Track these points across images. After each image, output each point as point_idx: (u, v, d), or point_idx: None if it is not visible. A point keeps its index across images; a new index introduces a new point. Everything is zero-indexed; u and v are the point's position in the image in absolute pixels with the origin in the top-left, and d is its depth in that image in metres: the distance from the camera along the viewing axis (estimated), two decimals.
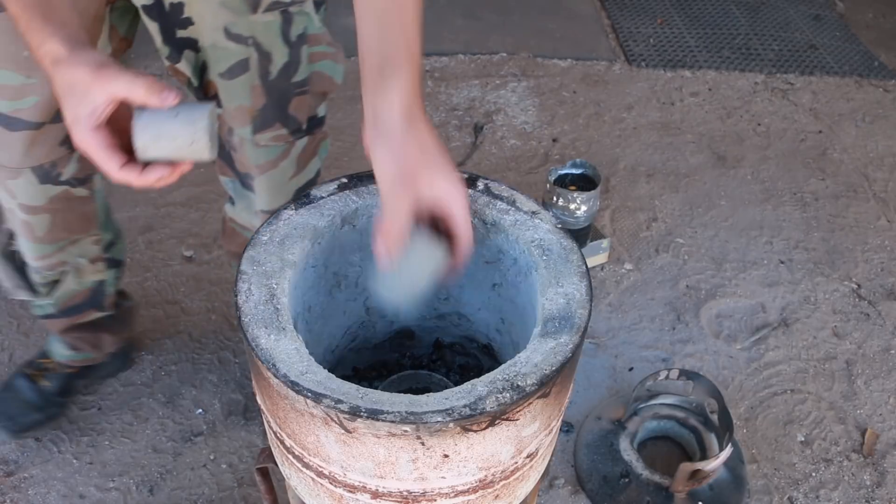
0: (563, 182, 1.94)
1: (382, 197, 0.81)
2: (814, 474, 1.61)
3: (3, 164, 1.11)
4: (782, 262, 2.09)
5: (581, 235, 1.96)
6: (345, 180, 0.97)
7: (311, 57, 1.14)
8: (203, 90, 1.15)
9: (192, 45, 1.08)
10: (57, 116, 1.09)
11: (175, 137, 0.76)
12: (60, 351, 1.54)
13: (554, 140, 2.48)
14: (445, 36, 2.92)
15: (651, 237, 2.14)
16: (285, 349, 0.77)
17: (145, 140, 0.75)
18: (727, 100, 2.71)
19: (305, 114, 1.19)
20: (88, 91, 0.74)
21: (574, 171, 1.96)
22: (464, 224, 0.82)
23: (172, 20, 1.05)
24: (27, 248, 1.26)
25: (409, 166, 0.79)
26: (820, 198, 2.31)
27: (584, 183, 1.94)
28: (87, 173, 1.22)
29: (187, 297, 1.89)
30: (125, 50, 1.17)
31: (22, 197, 1.16)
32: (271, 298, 0.82)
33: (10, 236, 1.29)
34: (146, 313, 1.84)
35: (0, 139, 1.08)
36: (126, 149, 0.77)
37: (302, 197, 0.94)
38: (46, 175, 1.15)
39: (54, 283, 1.34)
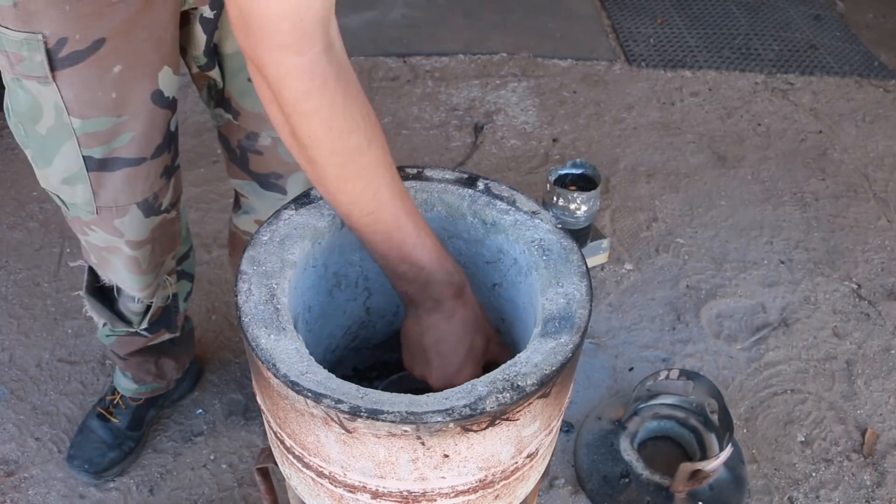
0: (563, 182, 1.94)
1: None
2: (814, 474, 1.61)
3: (109, 205, 1.10)
4: (782, 262, 2.09)
5: (581, 235, 1.96)
6: None
7: None
8: (222, 94, 1.15)
9: (219, 51, 1.09)
10: (156, 152, 1.09)
11: None
12: (125, 385, 1.52)
13: (554, 140, 2.48)
14: (445, 36, 2.92)
15: (651, 237, 2.14)
16: (285, 349, 0.77)
17: None
18: (727, 100, 2.71)
19: None
20: (490, 339, 0.90)
21: (574, 171, 1.96)
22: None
23: (211, 25, 1.06)
24: (132, 283, 1.23)
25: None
26: (820, 198, 2.31)
27: (584, 183, 1.94)
28: (178, 196, 1.22)
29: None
30: None
31: (129, 234, 1.15)
32: (271, 298, 0.82)
33: (93, 273, 1.27)
34: None
35: (100, 182, 1.07)
36: None
37: (302, 197, 0.94)
38: (150, 208, 1.14)
39: (148, 309, 1.32)
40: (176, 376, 1.56)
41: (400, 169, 0.98)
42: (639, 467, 1.53)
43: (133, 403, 1.55)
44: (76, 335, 1.79)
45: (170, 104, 1.08)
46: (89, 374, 1.71)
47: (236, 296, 0.82)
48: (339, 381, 0.75)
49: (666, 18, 3.16)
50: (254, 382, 0.87)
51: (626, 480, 1.53)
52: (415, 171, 0.98)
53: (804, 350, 1.86)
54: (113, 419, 1.54)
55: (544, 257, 0.88)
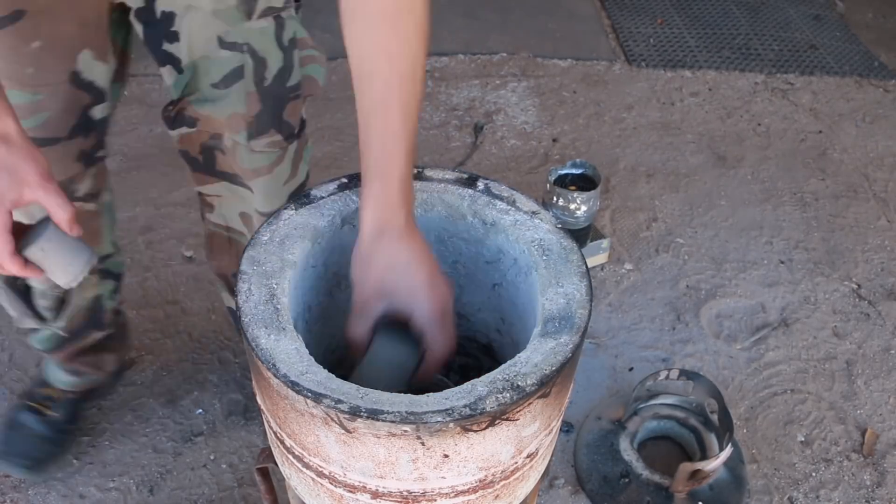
0: (563, 182, 1.94)
1: (352, 306, 0.86)
2: (814, 474, 1.61)
3: None
4: (782, 262, 2.09)
5: (581, 235, 1.96)
6: (345, 180, 0.97)
7: (301, 61, 1.14)
8: (176, 103, 1.13)
9: (176, 62, 1.07)
10: (72, 132, 1.09)
11: (60, 265, 0.88)
12: (61, 378, 1.50)
13: (554, 140, 2.48)
14: (445, 36, 2.92)
15: (651, 237, 2.14)
16: (285, 349, 0.77)
17: (37, 250, 0.86)
18: (727, 100, 2.71)
19: (297, 118, 1.19)
20: (25, 183, 0.81)
21: (574, 171, 1.96)
22: (432, 337, 0.85)
23: (160, 29, 1.05)
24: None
25: (374, 284, 0.84)
26: (820, 198, 2.31)
27: (584, 183, 1.94)
28: (99, 188, 1.21)
29: (187, 297, 1.89)
30: (126, 63, 1.16)
31: (39, 215, 1.15)
32: (271, 298, 0.82)
33: None
34: (146, 313, 1.84)
35: None
36: None
37: (302, 197, 0.94)
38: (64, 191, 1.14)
39: (60, 304, 1.31)
40: (113, 368, 1.55)
41: None
42: (639, 467, 1.53)
43: (70, 396, 1.53)
44: None
45: (89, 88, 1.07)
46: None
47: (236, 296, 0.82)
48: (339, 381, 0.75)
49: (666, 18, 3.16)
50: (254, 382, 0.87)
51: (626, 480, 1.53)
52: (415, 171, 0.98)
53: (804, 350, 1.86)
54: (49, 412, 1.51)
55: (544, 257, 0.88)
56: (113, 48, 1.09)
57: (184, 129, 1.15)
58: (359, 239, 0.85)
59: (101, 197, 1.23)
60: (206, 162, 1.21)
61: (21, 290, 1.28)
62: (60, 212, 0.83)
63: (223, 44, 1.05)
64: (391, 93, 0.82)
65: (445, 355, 0.87)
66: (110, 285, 1.43)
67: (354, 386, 0.74)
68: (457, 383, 0.77)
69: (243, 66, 1.07)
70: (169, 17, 1.03)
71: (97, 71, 1.06)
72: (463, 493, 0.79)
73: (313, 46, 1.16)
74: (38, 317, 1.31)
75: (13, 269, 0.84)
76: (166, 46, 1.05)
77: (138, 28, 1.05)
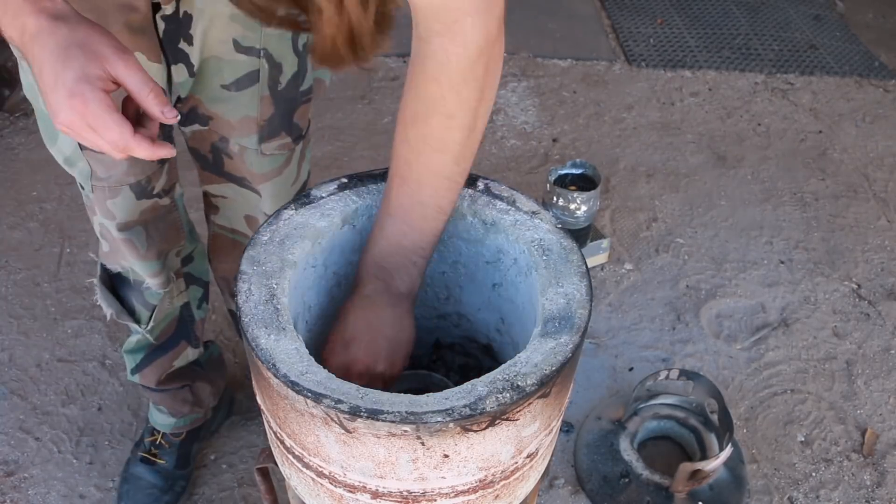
0: (563, 182, 1.94)
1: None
2: (814, 474, 1.61)
3: (106, 183, 1.09)
4: (782, 262, 2.09)
5: (581, 235, 1.96)
6: (345, 180, 0.97)
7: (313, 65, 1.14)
8: (185, 101, 1.12)
9: (188, 62, 1.07)
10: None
11: None
12: (162, 421, 1.47)
13: (554, 140, 2.48)
14: None
15: (651, 237, 2.14)
16: (285, 349, 0.77)
17: None
18: (727, 100, 2.71)
19: (306, 120, 1.19)
20: (103, 57, 0.70)
21: (574, 171, 1.96)
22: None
23: (179, 28, 1.05)
24: (140, 269, 1.22)
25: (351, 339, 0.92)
26: (820, 198, 2.31)
27: (584, 183, 1.94)
28: (172, 183, 1.21)
29: None
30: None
31: (120, 216, 1.14)
32: (271, 298, 0.82)
33: (104, 266, 1.25)
34: None
35: (107, 160, 1.06)
36: None
37: (302, 197, 0.94)
38: (142, 190, 1.13)
39: (152, 309, 1.29)
40: (212, 403, 1.50)
41: None
42: (639, 467, 1.53)
43: (176, 440, 1.50)
44: (76, 335, 1.79)
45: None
46: (89, 373, 1.71)
47: (236, 296, 0.82)
48: (339, 381, 0.75)
49: (666, 18, 3.16)
50: (254, 382, 0.87)
51: (626, 480, 1.53)
52: None
53: (804, 350, 1.86)
54: (159, 461, 1.49)
55: (544, 257, 0.88)
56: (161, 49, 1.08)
57: (196, 127, 1.15)
58: (361, 283, 0.92)
59: (173, 192, 1.22)
60: (214, 161, 1.21)
61: (118, 289, 1.27)
62: (145, 88, 0.72)
63: (239, 47, 1.05)
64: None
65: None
66: (197, 292, 1.39)
67: (354, 386, 0.74)
68: (457, 383, 0.77)
69: (258, 70, 1.07)
70: (188, 18, 1.03)
71: (153, 71, 1.05)
72: (463, 493, 0.79)
73: None
74: (132, 313, 1.28)
75: (142, 151, 0.73)
76: (182, 45, 1.05)
77: (161, 25, 1.05)
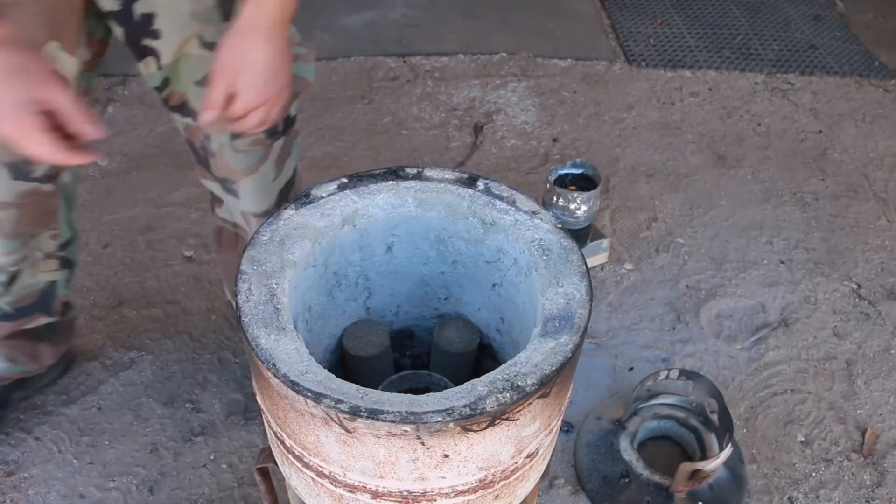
0: (563, 182, 1.94)
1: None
2: (814, 474, 1.61)
3: None
4: (782, 262, 2.09)
5: (581, 235, 1.96)
6: (345, 180, 0.97)
7: None
8: (165, 100, 1.14)
9: (156, 55, 1.08)
10: None
11: None
12: None
13: (554, 140, 2.48)
14: (445, 36, 2.92)
15: (651, 237, 2.14)
16: (285, 349, 0.77)
17: None
18: (727, 100, 2.71)
19: (282, 116, 1.19)
20: (37, 83, 0.83)
21: (574, 171, 1.96)
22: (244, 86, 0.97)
23: (139, 29, 1.05)
24: None
25: (228, 67, 0.98)
26: (820, 198, 2.31)
27: (584, 183, 1.94)
28: (57, 170, 1.21)
29: (187, 297, 1.89)
30: (103, 53, 1.16)
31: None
32: (271, 298, 0.82)
33: None
34: (146, 313, 1.84)
35: None
36: None
37: (302, 197, 0.94)
38: (19, 171, 1.13)
39: (12, 279, 1.31)
40: (50, 362, 1.55)
41: (400, 168, 0.99)
42: (639, 467, 1.53)
43: (2, 384, 1.53)
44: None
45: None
46: (89, 372, 1.71)
47: (236, 296, 0.82)
48: (339, 381, 0.75)
49: (666, 18, 3.16)
50: (254, 382, 0.87)
51: (626, 480, 1.53)
52: (415, 171, 0.98)
53: (804, 350, 1.86)
54: None
55: (544, 257, 0.88)
56: (88, 41, 1.09)
57: (189, 121, 1.17)
58: (234, 26, 0.97)
59: (58, 179, 1.22)
60: (205, 159, 1.23)
61: None
62: (73, 110, 0.85)
63: (203, 43, 1.06)
64: None
65: (257, 103, 0.98)
66: (66, 274, 1.43)
67: (354, 386, 0.74)
68: (457, 383, 0.77)
69: None
70: (148, 17, 1.04)
71: (62, 60, 1.06)
72: (463, 492, 0.79)
73: (300, 44, 1.16)
74: None
75: (73, 160, 0.88)
76: (146, 41, 1.07)
77: (117, 30, 1.06)
